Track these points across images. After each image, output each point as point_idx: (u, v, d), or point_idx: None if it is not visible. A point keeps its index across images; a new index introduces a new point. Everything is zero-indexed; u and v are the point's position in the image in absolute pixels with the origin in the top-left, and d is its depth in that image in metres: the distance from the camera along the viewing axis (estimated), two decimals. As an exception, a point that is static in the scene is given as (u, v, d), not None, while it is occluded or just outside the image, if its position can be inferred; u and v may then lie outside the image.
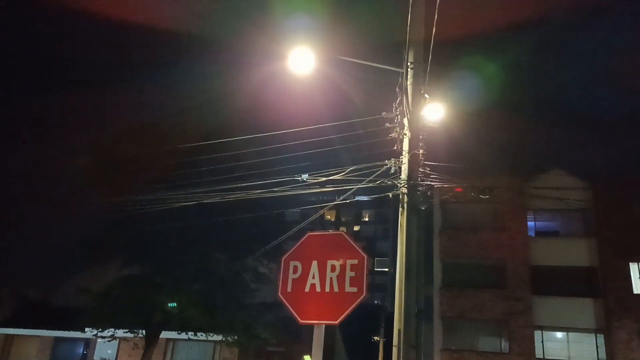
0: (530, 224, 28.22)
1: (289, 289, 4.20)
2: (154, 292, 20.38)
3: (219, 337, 24.58)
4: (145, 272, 21.54)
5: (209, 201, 12.33)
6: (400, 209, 8.71)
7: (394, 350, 8.08)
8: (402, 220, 8.62)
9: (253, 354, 28.98)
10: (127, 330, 22.61)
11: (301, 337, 28.05)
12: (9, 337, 33.80)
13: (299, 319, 4.07)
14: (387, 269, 67.23)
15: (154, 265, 21.27)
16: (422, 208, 9.09)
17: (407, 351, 7.98)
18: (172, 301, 20.26)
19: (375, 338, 30.26)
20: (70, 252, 27.65)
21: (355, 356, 43.91)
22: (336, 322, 3.95)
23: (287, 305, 4.14)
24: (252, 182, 11.95)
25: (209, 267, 21.30)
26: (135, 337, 23.13)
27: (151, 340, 22.34)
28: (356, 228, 74.07)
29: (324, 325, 3.99)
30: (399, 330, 8.14)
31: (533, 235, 28.10)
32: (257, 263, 22.71)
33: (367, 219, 75.72)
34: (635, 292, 25.46)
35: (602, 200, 27.04)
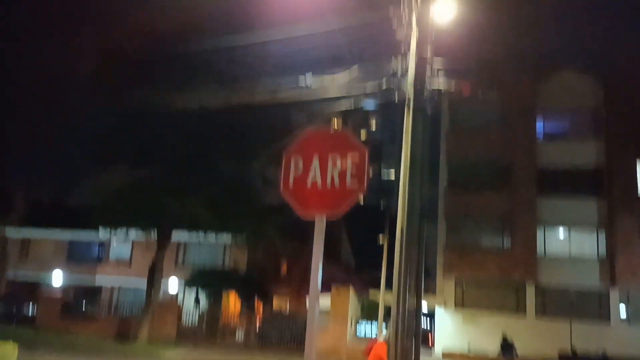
0: (539, 124, 28.06)
1: (290, 186, 4.24)
2: (163, 195, 20.77)
3: (228, 239, 25.36)
4: (153, 175, 21.85)
5: (213, 103, 12.24)
6: (405, 110, 8.60)
7: (396, 247, 8.28)
8: (408, 121, 8.53)
9: (262, 255, 30.06)
10: (139, 231, 23.31)
11: (309, 238, 28.87)
12: (25, 240, 35.08)
13: (300, 212, 4.14)
14: (393, 171, 67.92)
15: (162, 168, 21.55)
16: (428, 110, 8.97)
17: (410, 248, 8.18)
18: (181, 204, 20.67)
19: (380, 238, 31.12)
20: (80, 155, 28.05)
21: (361, 256, 45.45)
22: (337, 215, 4.02)
23: (289, 200, 4.19)
24: (256, 84, 11.77)
25: (217, 171, 21.55)
26: (147, 238, 23.90)
27: (163, 241, 23.10)
28: (362, 132, 73.94)
29: (324, 217, 4.06)
30: (402, 228, 8.29)
31: (541, 135, 28.01)
32: (265, 167, 22.90)
33: (373, 123, 75.38)
34: (640, 189, 25.84)
35: (612, 99, 26.67)
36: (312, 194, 4.09)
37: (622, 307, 25.74)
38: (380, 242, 29.53)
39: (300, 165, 4.16)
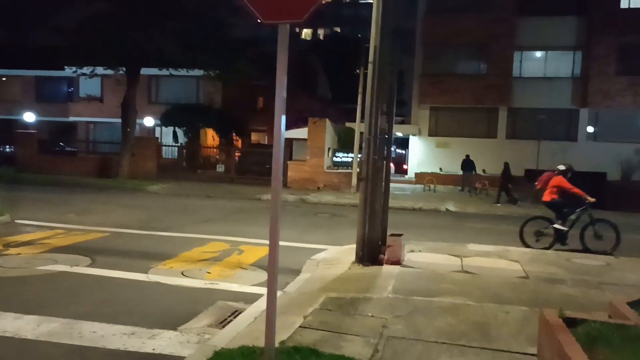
0: None
1: (249, -11, 3.86)
2: (127, 29, 19.71)
3: (200, 73, 24.73)
4: (113, 8, 20.53)
5: None
6: None
7: (370, 67, 8.07)
8: None
9: (236, 88, 29.65)
10: (107, 67, 22.53)
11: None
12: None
13: (261, 19, 3.81)
14: (371, 2, 64.87)
15: (124, 1, 20.20)
16: None
17: (382, 67, 8.00)
18: (146, 37, 19.71)
19: (357, 71, 30.70)
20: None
21: (338, 89, 45.36)
22: (301, 19, 3.71)
23: (247, 4, 3.84)
24: None
25: (180, 3, 20.28)
26: (116, 73, 23.17)
27: (132, 76, 22.43)
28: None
29: (287, 25, 3.76)
30: (375, 47, 8.03)
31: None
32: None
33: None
34: (622, 6, 25.20)
35: None
36: (272, -4, 3.75)
37: (590, 128, 26.62)
38: (357, 71, 29.25)
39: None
